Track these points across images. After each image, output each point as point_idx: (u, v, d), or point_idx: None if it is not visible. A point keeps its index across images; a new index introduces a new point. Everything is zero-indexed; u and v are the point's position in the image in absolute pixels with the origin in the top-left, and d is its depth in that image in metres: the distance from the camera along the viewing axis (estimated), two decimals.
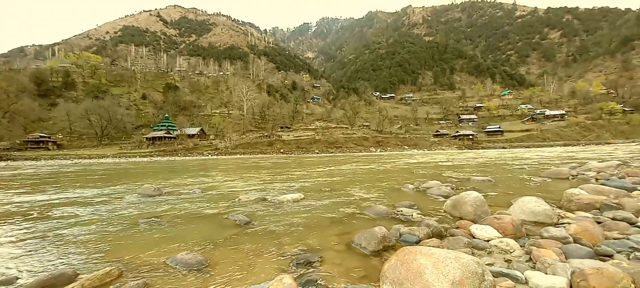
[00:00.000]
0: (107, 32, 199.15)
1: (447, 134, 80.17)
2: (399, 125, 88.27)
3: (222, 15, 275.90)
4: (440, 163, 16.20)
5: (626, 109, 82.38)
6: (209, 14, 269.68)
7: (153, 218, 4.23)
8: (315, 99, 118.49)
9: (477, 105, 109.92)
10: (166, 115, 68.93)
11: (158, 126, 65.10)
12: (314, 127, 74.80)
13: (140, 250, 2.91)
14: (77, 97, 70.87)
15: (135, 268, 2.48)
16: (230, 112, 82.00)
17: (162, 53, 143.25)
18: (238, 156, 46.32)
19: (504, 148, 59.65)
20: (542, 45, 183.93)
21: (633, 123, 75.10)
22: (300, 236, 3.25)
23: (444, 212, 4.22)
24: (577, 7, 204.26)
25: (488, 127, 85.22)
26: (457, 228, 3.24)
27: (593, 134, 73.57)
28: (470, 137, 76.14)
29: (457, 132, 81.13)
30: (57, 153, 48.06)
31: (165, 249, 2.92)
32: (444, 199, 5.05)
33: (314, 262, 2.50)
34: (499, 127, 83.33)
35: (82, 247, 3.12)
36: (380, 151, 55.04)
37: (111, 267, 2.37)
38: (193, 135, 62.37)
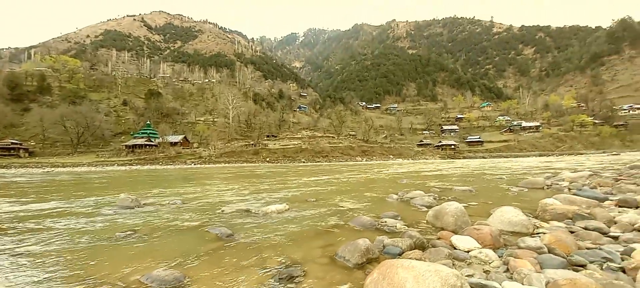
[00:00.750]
0: (88, 36, 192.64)
1: (431, 144, 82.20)
2: (385, 135, 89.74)
3: (209, 22, 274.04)
4: (424, 173, 16.53)
5: (596, 121, 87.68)
6: (195, 21, 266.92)
7: (129, 232, 4.04)
8: (302, 108, 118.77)
9: (459, 116, 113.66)
10: (148, 122, 66.91)
11: (139, 133, 63.00)
12: (300, 136, 74.73)
13: (113, 267, 2.76)
14: (52, 102, 67.67)
15: None
16: (215, 120, 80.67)
17: (145, 58, 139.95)
18: (222, 165, 45.42)
19: (484, 158, 61.73)
20: (518, 61, 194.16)
21: (603, 135, 79.95)
22: (283, 249, 3.19)
23: (427, 222, 4.28)
24: (549, 26, 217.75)
25: (469, 137, 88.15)
26: (438, 239, 3.29)
27: (566, 145, 77.61)
28: (452, 147, 78.41)
29: (440, 142, 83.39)
30: (28, 161, 45.43)
31: (140, 265, 2.79)
32: (427, 209, 5.12)
33: (297, 276, 2.46)
34: (479, 138, 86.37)
35: (50, 264, 2.92)
36: (366, 160, 55.57)
37: (80, 286, 2.23)
38: (176, 143, 60.73)
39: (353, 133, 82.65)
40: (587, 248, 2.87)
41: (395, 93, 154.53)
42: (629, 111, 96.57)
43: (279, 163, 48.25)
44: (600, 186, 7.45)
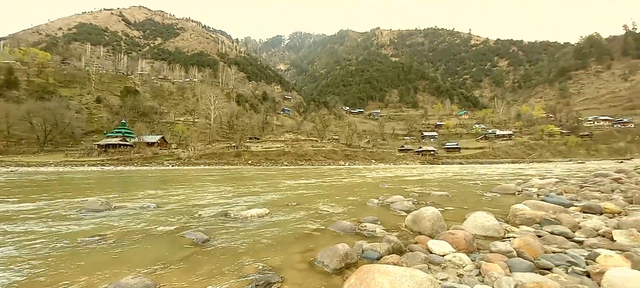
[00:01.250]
0: (60, 29, 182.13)
1: (411, 149, 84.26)
2: (367, 140, 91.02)
3: (192, 20, 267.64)
4: (404, 178, 16.88)
5: (563, 131, 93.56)
6: (177, 18, 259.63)
7: (97, 237, 3.81)
8: (286, 111, 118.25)
9: (438, 123, 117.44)
10: (123, 121, 63.97)
11: (113, 132, 60.06)
12: (283, 139, 74.22)
13: (76, 275, 2.58)
14: (19, 97, 63.15)
15: None
16: (195, 120, 78.53)
17: (122, 55, 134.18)
18: (202, 167, 44.17)
19: (461, 163, 64.03)
20: (493, 72, 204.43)
21: (569, 144, 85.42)
22: (262, 254, 3.13)
23: (405, 227, 4.35)
24: (521, 40, 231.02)
25: (447, 143, 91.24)
26: (416, 243, 3.35)
27: (536, 153, 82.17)
28: (432, 152, 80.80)
29: (420, 147, 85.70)
30: None
31: (107, 273, 2.63)
32: (406, 214, 5.21)
33: (274, 282, 2.41)
34: (457, 144, 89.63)
35: (3, 272, 2.69)
36: (348, 164, 56.03)
37: None
38: (153, 144, 58.40)
39: (336, 137, 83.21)
40: (554, 252, 3.01)
41: (378, 99, 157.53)
42: (593, 122, 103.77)
43: (261, 166, 47.61)
44: (566, 193, 7.91)
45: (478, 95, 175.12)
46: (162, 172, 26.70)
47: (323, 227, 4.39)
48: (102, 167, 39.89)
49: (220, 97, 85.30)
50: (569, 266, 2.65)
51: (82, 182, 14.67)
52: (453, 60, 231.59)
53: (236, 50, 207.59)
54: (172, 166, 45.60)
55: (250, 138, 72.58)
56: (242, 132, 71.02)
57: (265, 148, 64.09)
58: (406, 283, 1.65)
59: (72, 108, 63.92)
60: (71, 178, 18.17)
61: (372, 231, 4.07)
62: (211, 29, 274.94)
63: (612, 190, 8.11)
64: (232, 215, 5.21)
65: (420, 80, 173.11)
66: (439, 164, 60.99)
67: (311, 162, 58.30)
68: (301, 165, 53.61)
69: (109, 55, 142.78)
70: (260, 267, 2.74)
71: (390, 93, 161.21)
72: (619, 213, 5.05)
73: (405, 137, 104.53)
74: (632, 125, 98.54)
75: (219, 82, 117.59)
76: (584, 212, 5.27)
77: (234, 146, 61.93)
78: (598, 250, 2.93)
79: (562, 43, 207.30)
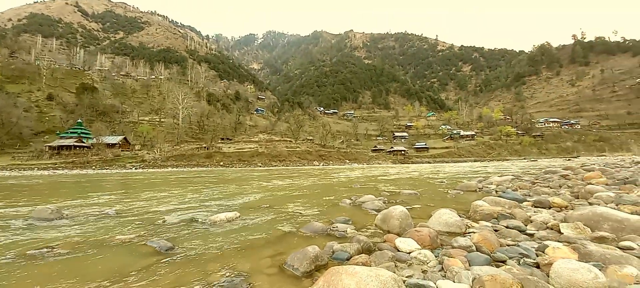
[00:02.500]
0: (10, 19, 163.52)
1: (384, 149, 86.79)
2: (341, 140, 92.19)
3: (158, 14, 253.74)
4: (377, 177, 17.32)
5: (519, 132, 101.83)
6: (141, 11, 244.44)
7: (46, 249, 3.46)
8: (260, 111, 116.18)
9: (408, 124, 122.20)
10: (79, 120, 58.87)
11: (67, 133, 55.02)
12: (257, 139, 72.83)
13: None
14: None
15: None
16: (162, 120, 74.41)
17: (78, 48, 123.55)
18: (170, 169, 41.96)
19: (429, 162, 67.17)
20: (458, 76, 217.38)
21: (524, 144, 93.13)
22: (230, 260, 3.03)
23: (376, 226, 4.46)
24: (483, 47, 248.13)
25: (417, 143, 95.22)
26: (384, 242, 3.45)
27: (495, 152, 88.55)
28: (403, 152, 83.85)
29: (392, 147, 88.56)
30: None
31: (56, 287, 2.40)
32: (376, 213, 5.33)
33: None
34: (425, 144, 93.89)
35: None
36: (323, 165, 56.38)
37: None
38: (114, 145, 54.42)
39: (311, 138, 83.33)
40: (508, 245, 3.21)
41: (351, 100, 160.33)
42: (544, 124, 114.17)
43: (233, 168, 46.29)
44: (520, 189, 8.60)
45: (444, 97, 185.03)
46: (124, 176, 24.94)
47: (295, 230, 4.36)
48: (55, 171, 36.38)
49: (190, 96, 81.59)
50: (521, 258, 2.83)
51: (31, 188, 13.25)
52: (421, 64, 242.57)
53: (206, 47, 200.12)
54: (136, 169, 42.81)
55: (222, 139, 70.31)
56: (214, 132, 68.61)
57: (238, 149, 62.47)
58: (372, 283, 1.69)
59: (20, 106, 57.61)
60: (18, 183, 16.34)
61: (343, 231, 4.11)
62: (179, 24, 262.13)
63: (560, 186, 8.96)
64: (199, 220, 5.00)
65: (391, 82, 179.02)
66: (409, 163, 63.44)
67: (285, 163, 57.84)
68: (275, 166, 52.95)
69: (63, 49, 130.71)
70: (228, 274, 2.65)
71: (364, 94, 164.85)
72: (566, 207, 5.57)
73: (377, 138, 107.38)
74: (578, 126, 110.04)
75: (187, 80, 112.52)
76: (535, 207, 5.75)
77: (205, 147, 59.63)
78: (547, 242, 3.15)
79: (517, 51, 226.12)
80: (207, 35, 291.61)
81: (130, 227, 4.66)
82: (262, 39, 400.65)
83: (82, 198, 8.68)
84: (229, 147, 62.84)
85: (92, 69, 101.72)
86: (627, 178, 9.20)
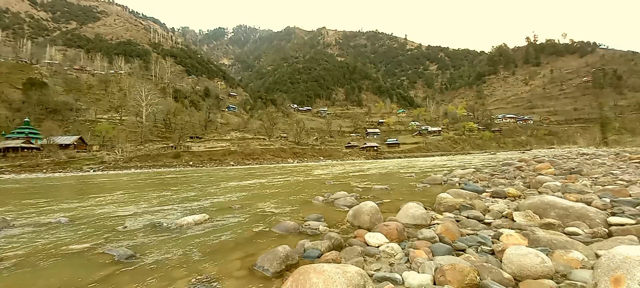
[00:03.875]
0: None
1: (357, 146, 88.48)
2: (315, 137, 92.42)
3: (117, 4, 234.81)
4: (350, 174, 17.62)
5: (480, 127, 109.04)
6: (97, 0, 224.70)
7: None
8: (232, 108, 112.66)
9: (380, 120, 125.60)
10: (26, 119, 52.98)
11: (13, 133, 49.30)
12: (229, 137, 70.66)
13: None
14: None
15: None
16: (123, 118, 69.35)
17: (25, 40, 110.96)
18: (133, 171, 39.34)
19: (400, 158, 69.72)
20: (425, 75, 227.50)
21: (484, 138, 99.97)
22: (197, 265, 2.91)
23: (347, 222, 4.53)
24: (448, 47, 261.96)
25: (388, 140, 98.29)
26: (355, 237, 3.52)
27: (459, 146, 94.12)
28: (375, 148, 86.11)
29: (365, 144, 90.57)
30: None
31: None
32: (348, 209, 5.41)
33: None
34: (396, 140, 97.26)
35: None
36: (297, 162, 56.16)
37: None
38: (68, 146, 49.77)
39: (285, 135, 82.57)
40: (468, 235, 3.41)
41: (325, 97, 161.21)
42: (502, 120, 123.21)
43: (204, 168, 44.53)
44: (480, 181, 9.22)
45: (413, 95, 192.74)
46: (80, 179, 22.94)
47: (266, 229, 4.30)
48: (0, 175, 32.51)
49: (154, 92, 76.82)
50: (479, 246, 3.02)
51: None
52: (392, 62, 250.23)
53: (172, 40, 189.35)
54: (94, 171, 39.59)
55: (191, 137, 67.23)
56: (182, 130, 65.26)
57: (209, 148, 60.16)
58: (339, 280, 1.72)
59: None
60: None
61: (316, 229, 4.13)
62: (141, 16, 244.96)
63: (515, 177, 9.74)
64: (165, 224, 4.74)
65: (364, 80, 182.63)
66: (381, 159, 65.34)
67: (259, 161, 56.78)
68: (248, 164, 51.79)
69: (9, 41, 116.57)
70: (194, 280, 2.54)
71: (337, 91, 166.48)
72: (519, 196, 6.06)
73: (351, 134, 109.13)
74: (531, 122, 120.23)
75: (151, 76, 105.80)
76: (492, 197, 6.18)
77: (172, 146, 56.65)
78: (502, 230, 3.39)
79: (479, 51, 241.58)
80: (173, 28, 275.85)
81: (85, 235, 4.30)
82: (233, 34, 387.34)
83: (31, 205, 7.84)
84: (199, 146, 60.30)
85: (40, 62, 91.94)
86: (573, 169, 10.26)
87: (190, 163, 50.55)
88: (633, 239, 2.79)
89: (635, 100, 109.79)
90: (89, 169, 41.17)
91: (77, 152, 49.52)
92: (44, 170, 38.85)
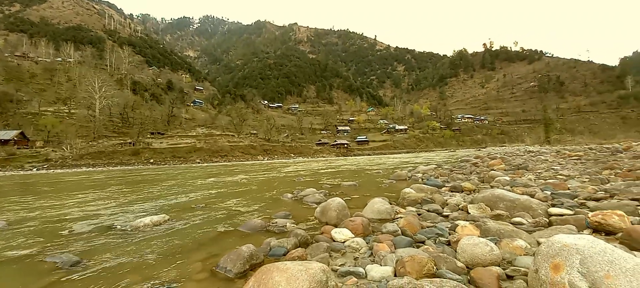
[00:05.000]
0: None
1: (328, 143, 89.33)
2: (286, 134, 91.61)
3: None
4: (320, 170, 17.73)
5: (442, 126, 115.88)
6: None
7: None
8: (198, 103, 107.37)
9: (350, 118, 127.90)
10: None
11: None
12: (195, 133, 67.41)
13: None
14: None
15: None
16: (72, 111, 62.94)
17: None
18: (84, 169, 35.95)
19: (369, 155, 71.69)
20: (393, 75, 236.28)
21: (446, 136, 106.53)
22: (153, 269, 2.73)
23: (315, 218, 4.55)
24: (414, 49, 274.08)
25: (358, 137, 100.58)
26: (322, 233, 3.53)
27: (424, 144, 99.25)
28: (345, 146, 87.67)
29: (335, 141, 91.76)
30: None
31: None
32: (316, 206, 5.44)
33: None
34: (366, 138, 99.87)
35: None
36: (268, 159, 55.25)
37: None
38: (7, 142, 44.15)
39: (255, 132, 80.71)
40: (428, 227, 3.59)
41: (296, 94, 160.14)
42: (461, 119, 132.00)
43: (166, 165, 42.03)
44: (441, 176, 9.79)
45: (382, 94, 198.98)
46: (21, 179, 20.43)
47: (232, 228, 4.17)
48: None
49: (109, 83, 70.45)
50: (437, 237, 3.21)
51: None
52: (362, 61, 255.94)
53: (130, 28, 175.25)
54: (38, 170, 35.53)
55: (153, 133, 63.01)
56: (141, 126, 60.86)
57: (172, 144, 56.91)
58: (301, 277, 1.71)
59: None
60: None
61: (283, 226, 4.09)
62: None
63: (471, 173, 10.50)
64: (118, 226, 4.38)
65: (335, 78, 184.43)
66: (351, 156, 66.64)
67: (228, 158, 54.94)
68: (216, 161, 49.87)
69: None
70: (149, 285, 2.38)
71: (308, 88, 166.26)
72: (474, 190, 6.55)
73: (322, 131, 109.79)
74: (486, 122, 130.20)
75: (106, 65, 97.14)
76: (451, 191, 6.61)
77: (130, 143, 52.70)
78: (457, 222, 3.60)
79: (442, 55, 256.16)
80: (131, 15, 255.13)
81: (25, 241, 3.83)
82: (199, 24, 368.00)
83: None
84: (161, 143, 56.79)
85: None
86: (520, 165, 11.31)
87: (151, 161, 47.44)
88: (571, 228, 3.06)
89: (575, 104, 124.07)
90: (31, 168, 36.89)
91: (18, 148, 44.17)
92: None
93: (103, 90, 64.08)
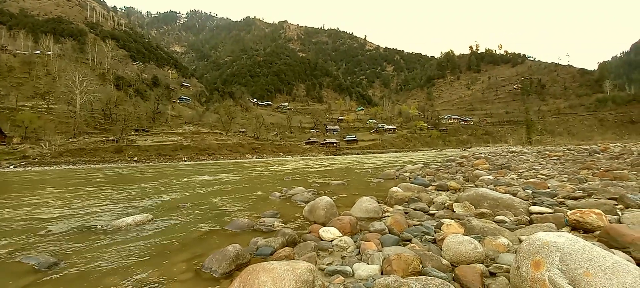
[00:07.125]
0: None
1: (317, 142, 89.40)
2: (275, 133, 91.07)
3: None
4: (309, 169, 17.70)
5: (429, 126, 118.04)
6: None
7: None
8: (185, 100, 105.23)
9: (340, 117, 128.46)
10: None
11: None
12: (182, 131, 66.04)
13: None
14: None
15: None
16: (51, 106, 60.45)
17: None
18: (64, 167, 34.58)
19: (358, 154, 72.19)
20: (383, 75, 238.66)
21: (433, 136, 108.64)
22: (135, 270, 2.64)
23: (303, 217, 4.52)
24: (403, 50, 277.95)
25: (347, 136, 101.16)
26: (309, 232, 3.52)
27: (411, 143, 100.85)
28: (335, 144, 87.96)
29: (325, 140, 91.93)
30: None
31: None
32: (305, 204, 5.42)
33: None
34: (355, 137, 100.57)
35: None
36: (256, 158, 54.72)
37: None
38: None
39: (243, 130, 79.83)
40: (414, 225, 3.64)
41: (286, 92, 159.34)
42: (448, 120, 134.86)
43: (151, 163, 40.98)
44: (428, 175, 9.96)
45: (371, 94, 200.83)
46: None
47: (218, 228, 4.10)
48: None
49: (91, 78, 68.00)
50: (423, 235, 3.25)
51: None
52: (352, 61, 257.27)
53: (114, 21, 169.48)
54: (15, 167, 33.92)
55: (137, 130, 61.35)
56: (125, 122, 59.11)
57: (158, 141, 55.52)
58: (288, 276, 1.69)
59: None
60: None
61: (270, 226, 4.05)
62: None
63: (456, 172, 10.73)
64: (99, 226, 4.22)
65: (324, 76, 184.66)
66: (340, 155, 66.92)
67: (215, 157, 54.11)
68: (203, 160, 49.00)
69: None
70: (131, 287, 2.30)
71: (298, 87, 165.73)
72: (459, 189, 6.70)
73: (311, 130, 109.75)
74: (472, 122, 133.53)
75: (87, 59, 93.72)
76: (437, 190, 6.73)
77: (113, 140, 51.08)
78: (443, 220, 3.64)
79: (430, 56, 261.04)
80: (115, 7, 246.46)
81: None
82: (186, 19, 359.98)
83: None
84: (146, 140, 55.33)
85: None
86: (503, 164, 11.65)
87: (135, 158, 46.17)
88: (551, 226, 3.14)
89: (555, 106, 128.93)
90: (7, 165, 35.19)
91: None
92: None
93: (84, 85, 61.84)
